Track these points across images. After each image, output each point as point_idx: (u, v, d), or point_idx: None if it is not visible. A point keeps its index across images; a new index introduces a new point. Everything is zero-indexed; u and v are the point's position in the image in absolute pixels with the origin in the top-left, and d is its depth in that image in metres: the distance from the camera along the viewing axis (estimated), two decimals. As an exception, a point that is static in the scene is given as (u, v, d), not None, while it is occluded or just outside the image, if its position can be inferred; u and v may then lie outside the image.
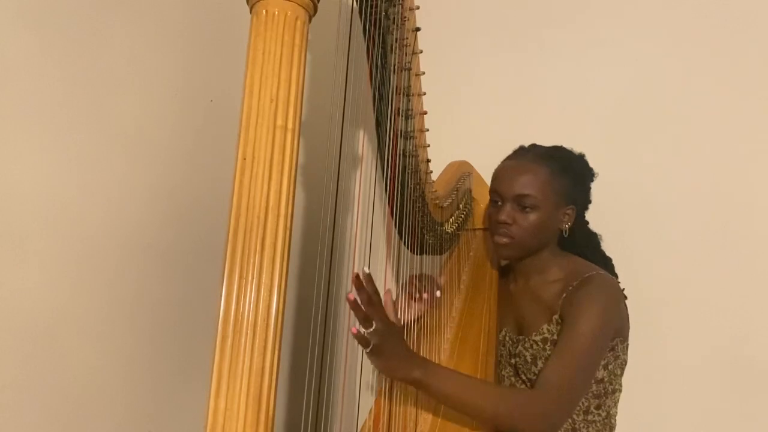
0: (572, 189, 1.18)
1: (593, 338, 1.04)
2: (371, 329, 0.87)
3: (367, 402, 1.08)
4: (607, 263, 1.27)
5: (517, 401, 1.01)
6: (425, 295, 1.19)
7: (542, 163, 1.16)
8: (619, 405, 1.17)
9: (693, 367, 1.46)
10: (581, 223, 1.26)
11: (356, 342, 0.89)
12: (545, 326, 1.13)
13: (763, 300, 1.42)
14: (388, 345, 0.90)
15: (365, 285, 0.86)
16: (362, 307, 0.86)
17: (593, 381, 1.09)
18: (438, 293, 1.21)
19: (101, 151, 1.16)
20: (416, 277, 1.22)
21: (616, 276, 1.24)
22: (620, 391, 1.16)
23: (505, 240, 1.18)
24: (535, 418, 0.98)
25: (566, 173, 1.17)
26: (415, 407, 1.06)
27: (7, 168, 0.98)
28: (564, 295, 1.12)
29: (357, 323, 0.88)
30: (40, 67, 1.03)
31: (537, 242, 1.19)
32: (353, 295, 0.85)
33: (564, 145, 1.23)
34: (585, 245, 1.26)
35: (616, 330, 1.11)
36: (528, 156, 1.20)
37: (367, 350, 0.89)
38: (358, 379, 0.96)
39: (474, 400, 0.97)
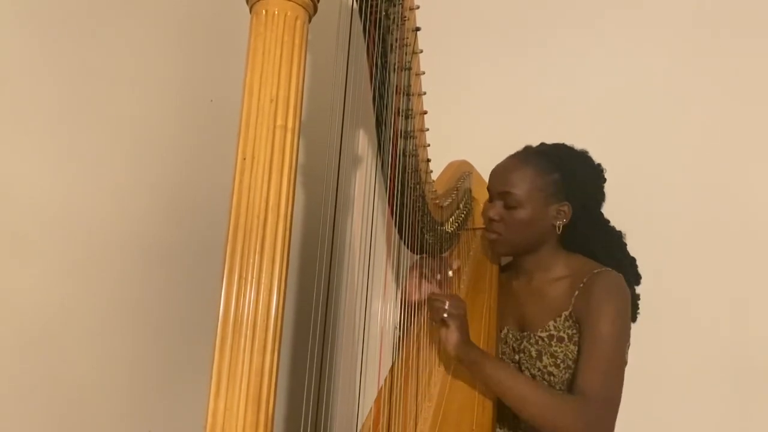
0: (564, 185, 1.16)
1: (619, 337, 1.06)
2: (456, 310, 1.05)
3: (367, 402, 1.08)
4: (626, 263, 1.23)
5: (566, 403, 1.01)
6: (438, 276, 1.21)
7: (530, 161, 1.17)
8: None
9: (693, 367, 1.45)
10: (592, 221, 1.22)
11: (356, 343, 0.90)
12: (551, 323, 1.14)
13: (764, 300, 1.42)
14: (465, 323, 1.06)
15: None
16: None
17: None
18: (450, 273, 1.24)
19: (101, 152, 1.16)
20: (429, 257, 1.23)
21: (640, 276, 1.24)
22: (619, 390, 1.16)
23: (493, 236, 1.21)
24: (588, 425, 0.99)
25: (556, 170, 1.16)
26: (415, 408, 1.06)
27: (7, 168, 0.98)
28: (576, 293, 1.12)
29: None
30: (40, 67, 1.03)
31: (527, 239, 1.19)
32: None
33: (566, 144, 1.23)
34: (600, 245, 1.22)
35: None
36: (519, 155, 1.21)
37: (455, 315, 1.05)
38: (358, 379, 0.96)
39: (523, 391, 1.01)
